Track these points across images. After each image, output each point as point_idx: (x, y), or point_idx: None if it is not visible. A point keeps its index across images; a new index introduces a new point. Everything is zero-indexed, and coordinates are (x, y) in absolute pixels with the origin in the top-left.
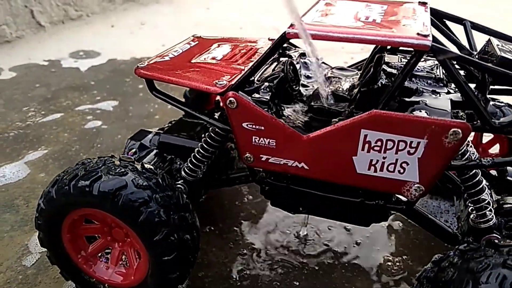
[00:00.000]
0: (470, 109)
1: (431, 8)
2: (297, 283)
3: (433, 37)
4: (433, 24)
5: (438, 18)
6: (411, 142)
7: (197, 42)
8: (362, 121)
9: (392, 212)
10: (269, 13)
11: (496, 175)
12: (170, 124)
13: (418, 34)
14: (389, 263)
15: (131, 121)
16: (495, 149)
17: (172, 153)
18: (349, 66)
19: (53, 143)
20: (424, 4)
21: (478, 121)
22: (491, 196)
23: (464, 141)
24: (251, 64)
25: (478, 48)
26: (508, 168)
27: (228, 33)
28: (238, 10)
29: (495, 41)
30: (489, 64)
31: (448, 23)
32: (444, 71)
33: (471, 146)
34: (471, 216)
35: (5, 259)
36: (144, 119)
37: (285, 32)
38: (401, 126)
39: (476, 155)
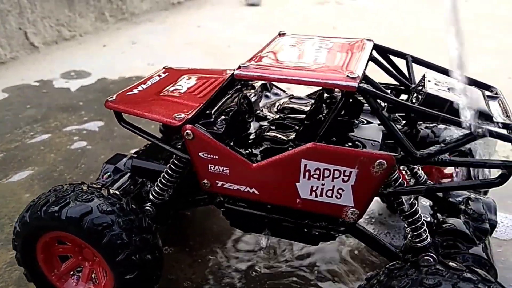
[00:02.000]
0: (394, 141)
1: (375, 45)
2: None
3: (364, 75)
4: (377, 60)
5: (383, 53)
6: (344, 171)
7: (167, 74)
8: (302, 152)
9: (338, 232)
10: (255, 31)
11: (441, 196)
12: (144, 147)
13: (347, 76)
14: (348, 275)
15: (115, 141)
16: (451, 168)
17: (143, 176)
18: (307, 95)
19: (40, 164)
20: (369, 40)
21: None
22: (435, 216)
23: (389, 170)
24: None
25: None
26: None
27: (217, 51)
28: (227, 28)
29: (430, 75)
30: (408, 103)
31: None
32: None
33: (419, 169)
34: (408, 236)
35: None
36: (128, 139)
37: (233, 73)
38: (335, 157)
39: (423, 177)
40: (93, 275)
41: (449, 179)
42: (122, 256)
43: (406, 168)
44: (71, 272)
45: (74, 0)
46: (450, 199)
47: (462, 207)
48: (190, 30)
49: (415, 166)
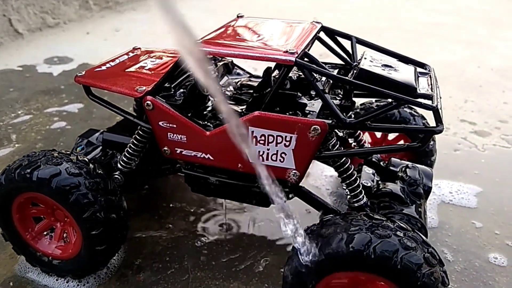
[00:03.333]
0: (328, 111)
1: (323, 27)
2: (220, 259)
3: (306, 53)
4: (322, 40)
5: (330, 34)
6: (286, 136)
7: (135, 53)
8: (248, 120)
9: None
10: None
11: (383, 165)
12: (116, 124)
13: (285, 51)
14: None
15: (94, 122)
16: (401, 143)
17: (113, 149)
18: None
19: (20, 142)
20: (318, 23)
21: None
22: (376, 182)
23: (324, 135)
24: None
25: None
26: (393, 158)
27: None
28: (211, 17)
29: (369, 53)
30: (340, 76)
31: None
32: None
33: (365, 142)
34: (347, 197)
35: None
36: (106, 120)
37: None
38: (277, 124)
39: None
40: (64, 235)
41: None
42: (88, 213)
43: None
44: (45, 232)
45: None
46: (391, 167)
47: (400, 174)
48: None
49: (363, 139)
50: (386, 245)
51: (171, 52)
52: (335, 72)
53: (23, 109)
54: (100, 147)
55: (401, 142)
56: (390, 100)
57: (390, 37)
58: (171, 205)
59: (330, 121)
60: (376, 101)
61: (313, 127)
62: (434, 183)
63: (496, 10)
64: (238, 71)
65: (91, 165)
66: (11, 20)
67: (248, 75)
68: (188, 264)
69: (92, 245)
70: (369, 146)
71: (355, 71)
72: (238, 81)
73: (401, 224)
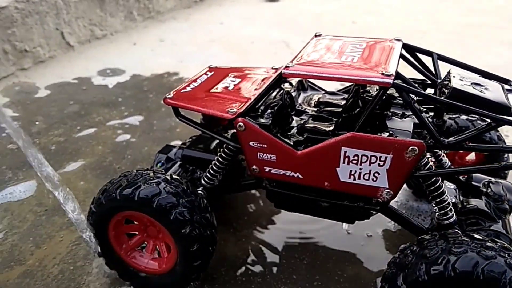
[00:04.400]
0: (426, 131)
1: (404, 44)
2: (300, 272)
3: (398, 72)
4: (405, 57)
5: (411, 51)
6: (380, 156)
7: (212, 72)
8: (342, 140)
9: (372, 211)
10: (276, 27)
11: (464, 180)
12: (191, 139)
13: (382, 73)
14: (379, 253)
15: (156, 134)
16: (472, 155)
17: (193, 165)
18: (339, 90)
19: (90, 155)
20: (398, 40)
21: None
22: (459, 198)
23: (420, 156)
24: (256, 93)
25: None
26: (474, 174)
27: (241, 47)
28: (249, 25)
29: (454, 71)
30: (436, 96)
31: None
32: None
33: (443, 156)
34: (436, 214)
35: (57, 254)
36: (167, 132)
37: (281, 72)
38: (372, 145)
39: (447, 164)
40: (156, 250)
41: None
42: (186, 231)
43: (431, 156)
44: (137, 248)
45: (105, 0)
46: (473, 182)
47: (484, 189)
48: (213, 27)
49: (442, 154)
50: (493, 266)
51: (245, 70)
52: None
53: (86, 122)
54: (178, 163)
55: (473, 154)
56: (457, 114)
57: (433, 40)
58: (244, 217)
59: (428, 142)
60: (449, 118)
61: (410, 147)
62: None
63: None
64: (311, 86)
65: (184, 183)
66: (63, 33)
67: (323, 92)
68: (270, 278)
69: (188, 261)
70: (448, 162)
71: (447, 91)
72: (314, 98)
73: (504, 244)
